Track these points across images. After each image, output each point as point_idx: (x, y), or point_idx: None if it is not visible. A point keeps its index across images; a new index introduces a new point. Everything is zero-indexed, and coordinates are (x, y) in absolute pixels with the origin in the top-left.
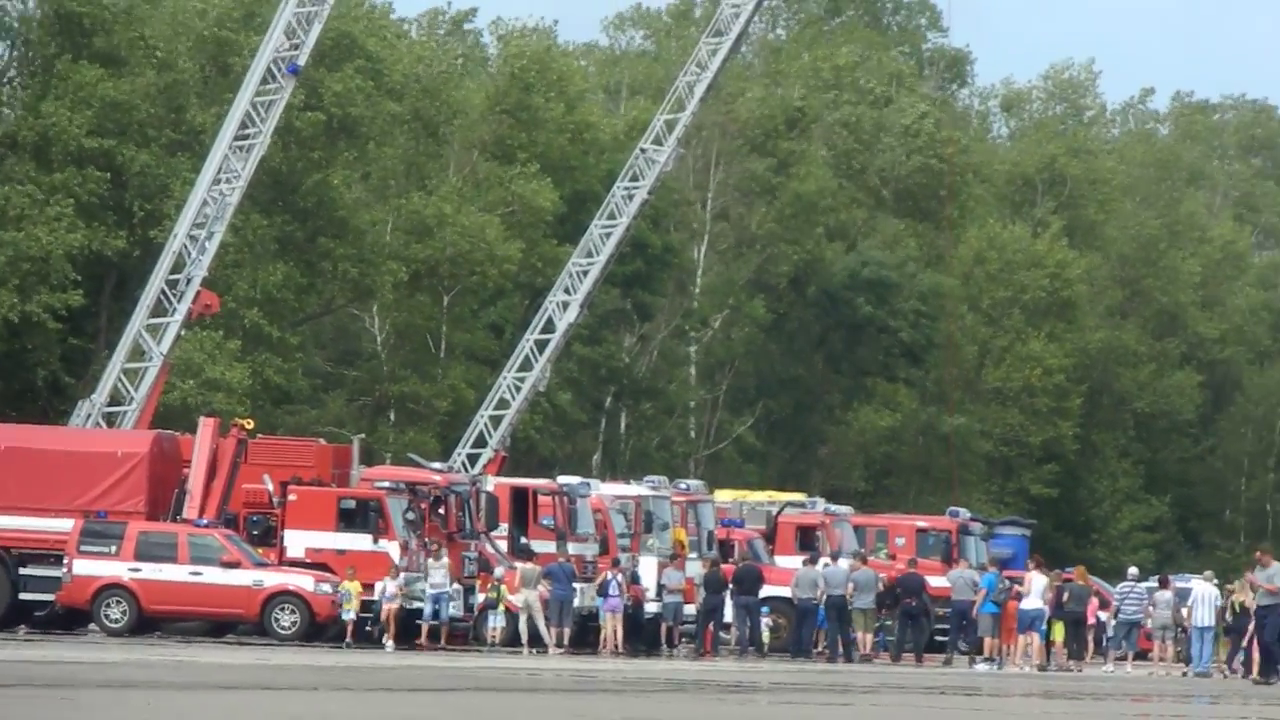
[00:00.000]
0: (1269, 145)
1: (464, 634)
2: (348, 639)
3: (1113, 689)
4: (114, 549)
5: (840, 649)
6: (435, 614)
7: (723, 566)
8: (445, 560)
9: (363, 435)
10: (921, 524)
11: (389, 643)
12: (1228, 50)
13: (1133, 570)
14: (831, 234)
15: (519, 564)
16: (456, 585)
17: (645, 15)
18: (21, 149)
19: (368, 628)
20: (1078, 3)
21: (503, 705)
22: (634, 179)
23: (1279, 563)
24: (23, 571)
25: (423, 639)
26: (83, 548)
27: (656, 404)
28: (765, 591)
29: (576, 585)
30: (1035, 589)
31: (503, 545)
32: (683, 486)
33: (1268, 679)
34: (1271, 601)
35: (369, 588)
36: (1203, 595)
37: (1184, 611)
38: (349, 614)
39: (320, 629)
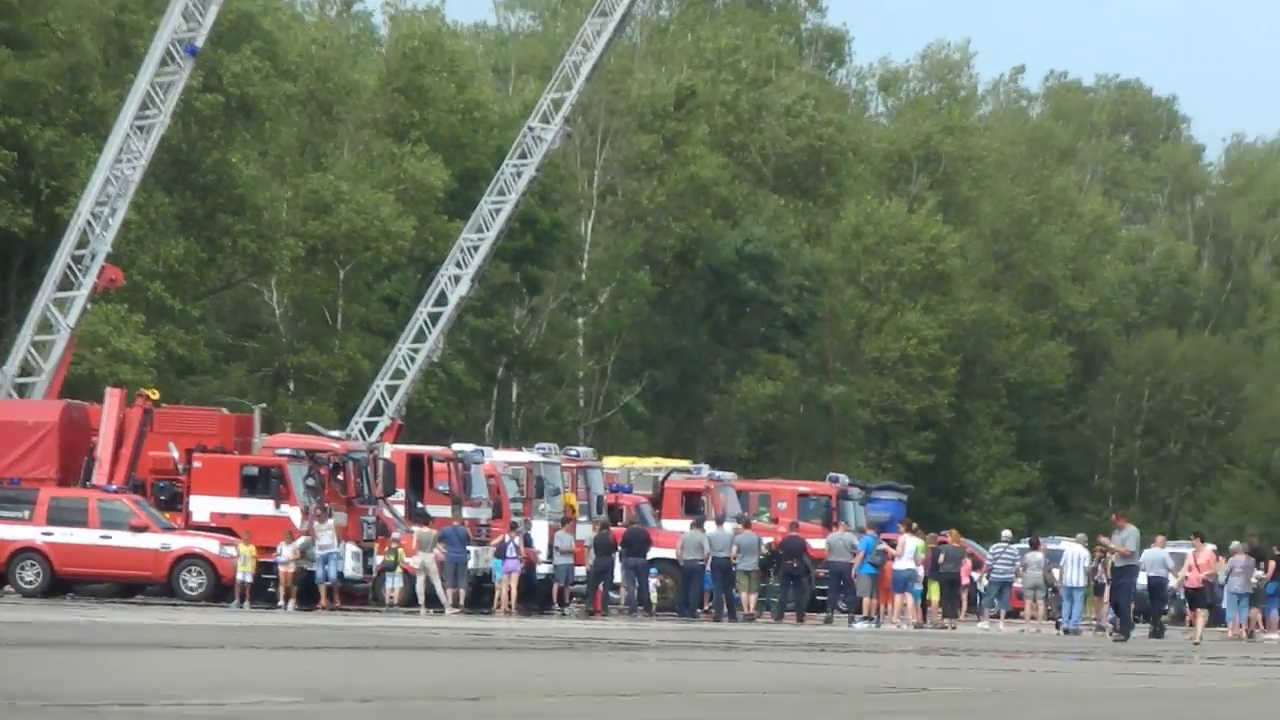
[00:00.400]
0: (1137, 123)
1: (363, 595)
2: (238, 599)
3: (985, 645)
4: (27, 514)
5: (725, 608)
6: (326, 574)
7: (612, 530)
8: (331, 522)
9: (263, 405)
10: (802, 489)
11: (290, 603)
12: (1101, 31)
13: (1005, 532)
14: (716, 211)
15: (415, 528)
16: (354, 547)
17: None
18: None
19: (270, 589)
20: None
21: (404, 662)
22: (523, 156)
23: (1134, 526)
24: None
25: (323, 599)
26: None
27: (546, 374)
28: (653, 554)
29: (470, 548)
30: (907, 551)
31: (400, 510)
32: (573, 453)
33: (1124, 636)
34: (1125, 563)
35: (270, 550)
36: (1073, 556)
37: (1055, 572)
38: (245, 576)
39: (226, 590)
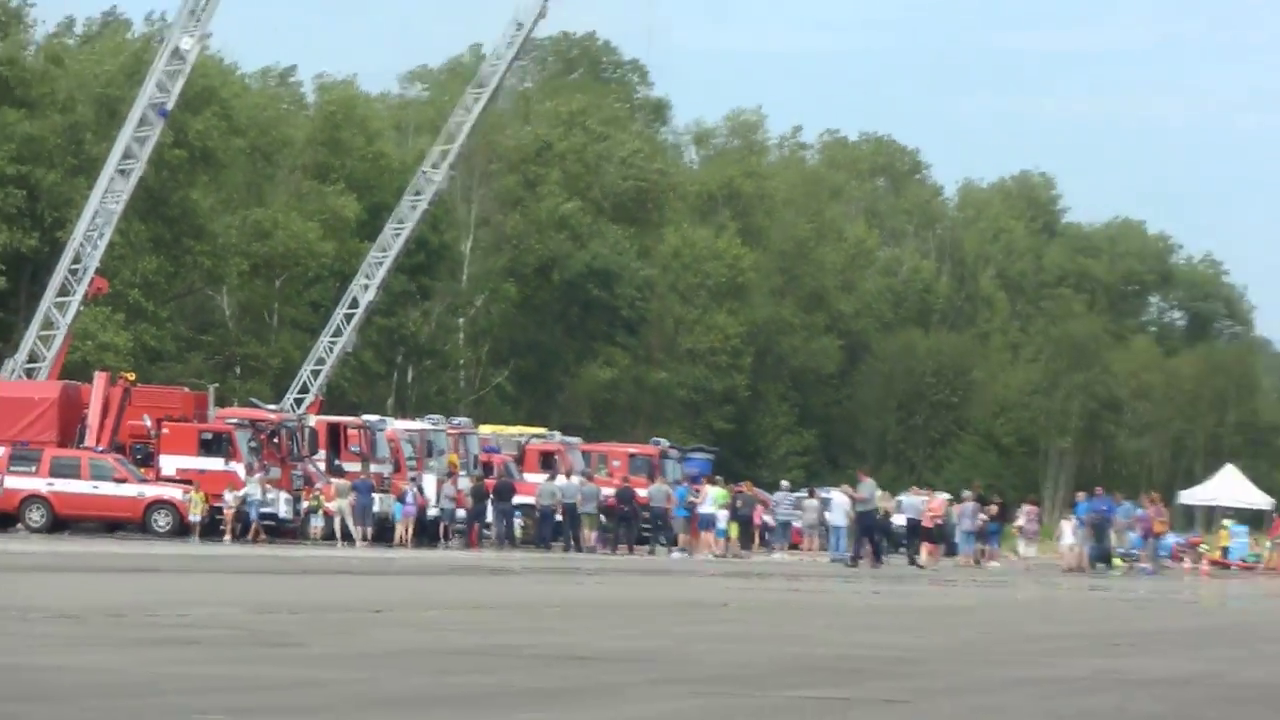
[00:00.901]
0: (890, 169)
1: (293, 531)
2: (194, 535)
3: (773, 570)
4: (34, 469)
5: (572, 543)
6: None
7: (485, 481)
8: (258, 476)
9: (216, 385)
10: (632, 451)
11: (228, 538)
12: (863, 97)
13: (784, 483)
14: (568, 236)
15: (334, 480)
16: (286, 495)
17: (427, 71)
18: None
19: (221, 528)
20: (753, 63)
21: (324, 584)
22: (418, 193)
23: (871, 479)
24: None
25: (251, 534)
26: (11, 468)
27: (435, 361)
28: (517, 500)
29: (375, 495)
30: (708, 498)
31: (321, 466)
32: (455, 422)
33: (876, 563)
34: (864, 508)
35: (219, 498)
36: (839, 502)
37: (826, 515)
38: (195, 517)
39: (187, 528)
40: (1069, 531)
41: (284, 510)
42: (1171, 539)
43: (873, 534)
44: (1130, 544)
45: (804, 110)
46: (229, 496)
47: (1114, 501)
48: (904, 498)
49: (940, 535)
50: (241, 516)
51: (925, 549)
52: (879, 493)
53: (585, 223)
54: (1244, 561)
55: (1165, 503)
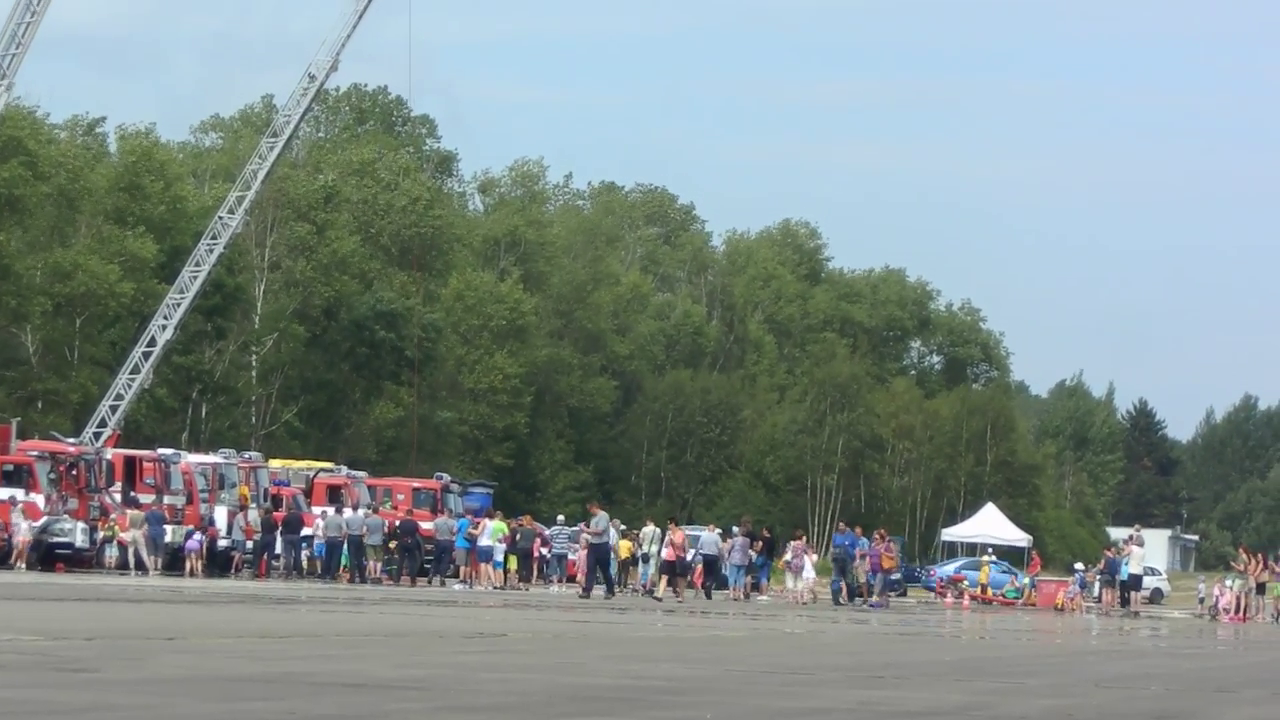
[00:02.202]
0: (664, 219)
1: (89, 560)
2: None
3: (550, 602)
4: None
5: (358, 573)
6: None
7: (274, 513)
8: (20, 505)
9: (18, 418)
10: (416, 485)
11: (21, 565)
12: (639, 151)
13: (560, 517)
14: (356, 279)
15: (129, 510)
16: (83, 524)
17: (221, 121)
18: None
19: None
20: (535, 117)
21: (118, 612)
22: (214, 238)
23: (603, 512)
24: None
25: (16, 558)
26: None
27: (228, 397)
28: (305, 532)
29: (168, 527)
30: (488, 531)
31: (118, 497)
32: (246, 456)
33: (587, 593)
34: (598, 541)
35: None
36: (613, 537)
37: None
38: None
39: None
40: (809, 565)
41: (80, 540)
42: (937, 572)
43: (602, 565)
44: (866, 578)
45: (583, 160)
46: (24, 525)
47: (856, 536)
48: (704, 534)
49: (683, 569)
50: (37, 545)
51: (664, 581)
52: (655, 529)
53: (374, 267)
54: (1005, 596)
55: (892, 539)
